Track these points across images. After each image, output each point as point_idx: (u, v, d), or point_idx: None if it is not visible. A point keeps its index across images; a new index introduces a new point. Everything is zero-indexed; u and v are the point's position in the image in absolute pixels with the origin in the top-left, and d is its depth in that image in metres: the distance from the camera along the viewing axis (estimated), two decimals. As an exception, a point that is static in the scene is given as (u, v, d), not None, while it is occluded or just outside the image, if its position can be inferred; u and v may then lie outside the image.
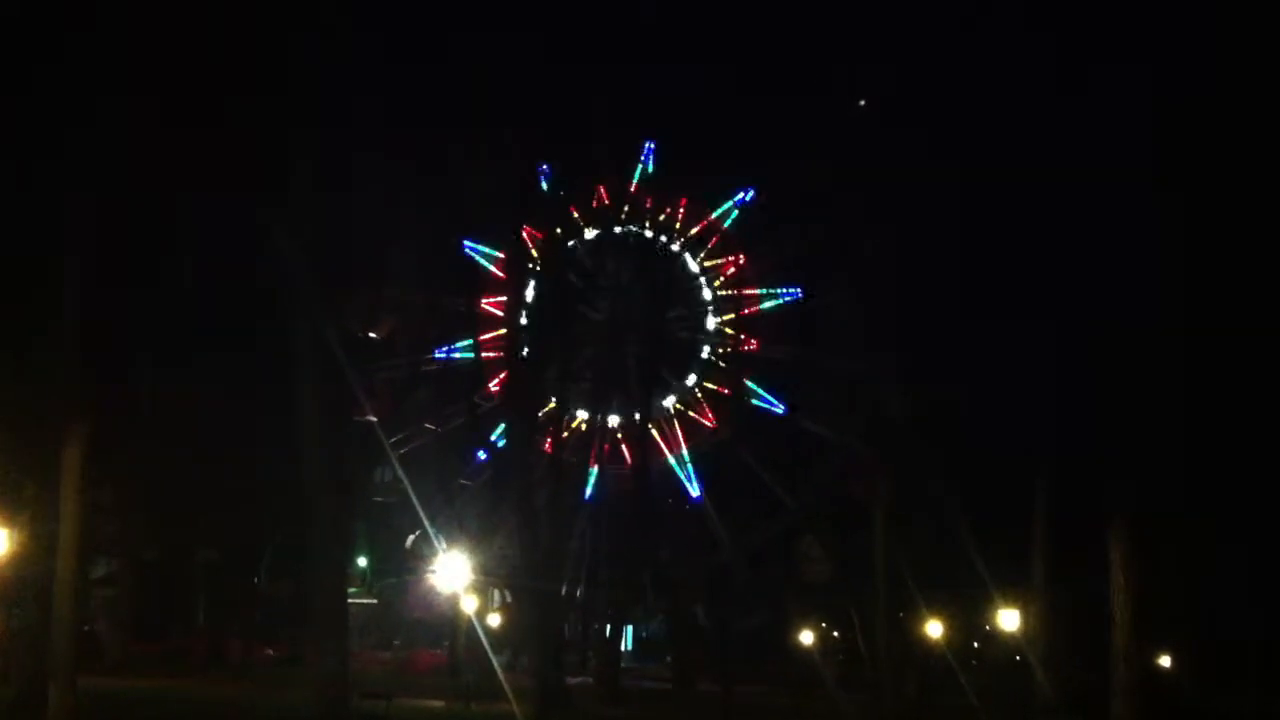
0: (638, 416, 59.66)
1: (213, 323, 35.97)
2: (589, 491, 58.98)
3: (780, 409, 69.54)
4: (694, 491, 70.33)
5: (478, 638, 46.18)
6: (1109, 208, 32.98)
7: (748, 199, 71.11)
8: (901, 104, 40.05)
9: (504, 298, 57.88)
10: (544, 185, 53.48)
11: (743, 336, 71.04)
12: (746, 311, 70.70)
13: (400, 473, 45.88)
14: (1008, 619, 38.97)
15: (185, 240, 30.83)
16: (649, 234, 65.86)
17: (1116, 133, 32.26)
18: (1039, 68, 34.58)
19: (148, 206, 27.05)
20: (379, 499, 50.42)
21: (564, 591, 54.56)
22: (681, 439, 70.87)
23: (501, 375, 60.01)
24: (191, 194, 28.45)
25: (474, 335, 58.00)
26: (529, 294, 56.21)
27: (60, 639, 26.62)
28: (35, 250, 26.18)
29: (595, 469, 61.31)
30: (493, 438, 63.10)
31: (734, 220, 71.75)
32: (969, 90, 36.77)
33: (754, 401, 70.23)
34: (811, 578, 37.89)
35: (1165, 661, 49.90)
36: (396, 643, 67.15)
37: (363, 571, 68.41)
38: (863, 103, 48.06)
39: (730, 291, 71.35)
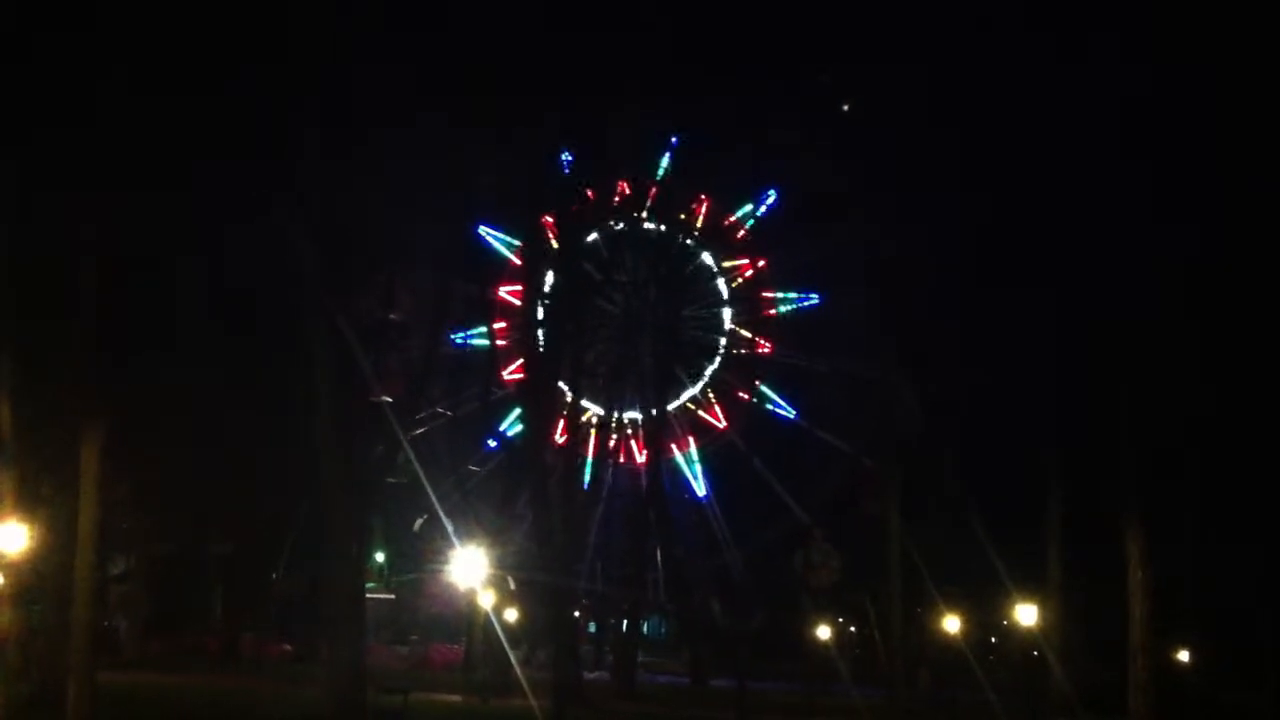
0: (652, 411, 59.62)
1: (227, 319, 36.00)
2: (586, 483, 58.80)
3: (791, 414, 69.59)
4: (700, 490, 70.40)
5: (494, 633, 46.13)
6: (1117, 204, 32.98)
7: (769, 200, 71.09)
8: (908, 105, 39.98)
9: (521, 286, 57.86)
10: (564, 174, 53.36)
11: (757, 339, 71.05)
12: (763, 314, 70.74)
13: (411, 455, 45.78)
14: (1025, 614, 38.84)
15: (196, 237, 30.82)
16: (668, 230, 65.76)
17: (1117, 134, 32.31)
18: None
19: (157, 204, 27.08)
20: (391, 480, 50.51)
21: (579, 586, 54.57)
22: (690, 438, 70.96)
23: (515, 363, 60.02)
24: (200, 187, 28.50)
25: (489, 322, 57.96)
26: (546, 284, 56.11)
27: (79, 635, 26.68)
28: (48, 251, 26.27)
29: (593, 459, 61.23)
30: (503, 427, 63.16)
31: (755, 221, 71.73)
32: (975, 90, 36.75)
33: (766, 405, 70.29)
34: (819, 584, 37.86)
35: (1183, 656, 49.64)
36: (414, 638, 67.14)
37: (379, 566, 68.49)
38: (846, 107, 48.19)
39: (747, 293, 71.34)
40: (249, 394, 38.98)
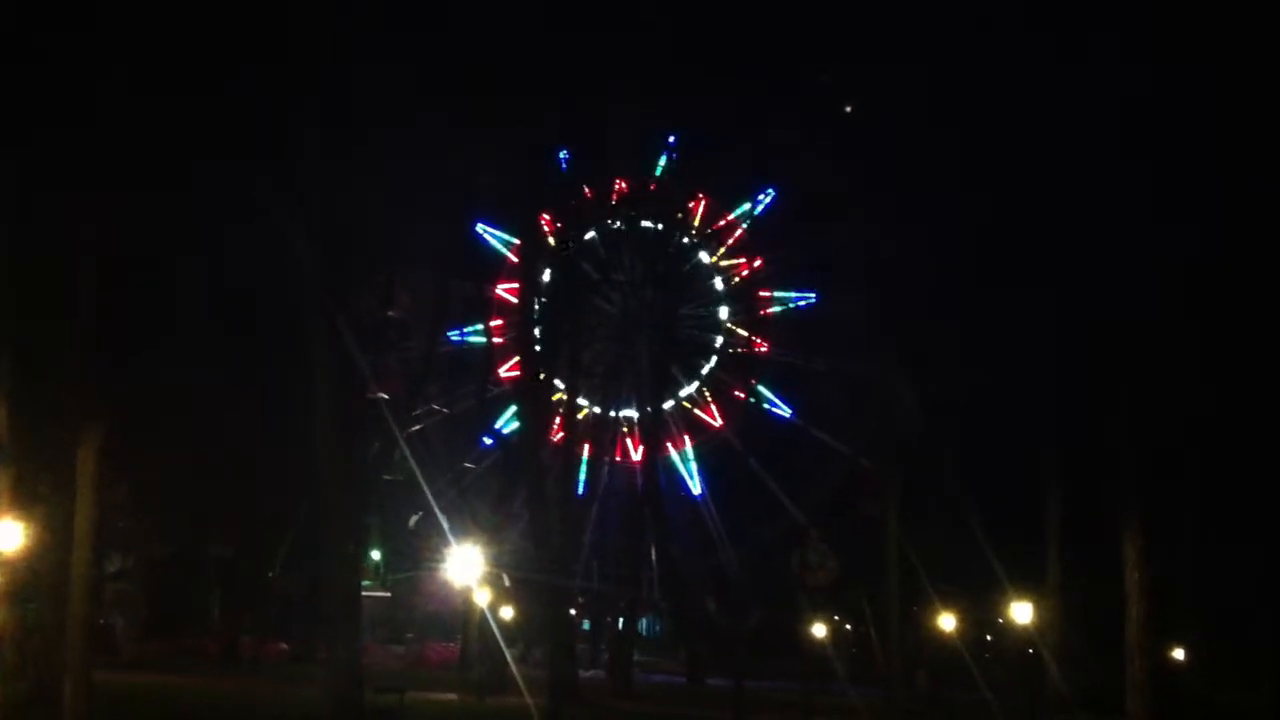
0: (649, 410, 59.62)
1: (227, 319, 35.97)
2: (581, 483, 58.74)
3: (787, 413, 69.63)
4: (695, 489, 70.39)
5: (490, 631, 46.12)
6: (1117, 204, 33.00)
7: (767, 199, 71.08)
8: (907, 105, 40.02)
9: (519, 284, 57.82)
10: (563, 173, 53.29)
11: (753, 338, 71.10)
12: (759, 313, 70.78)
13: (407, 452, 45.80)
14: (1021, 612, 38.90)
15: (196, 237, 30.76)
16: (666, 229, 65.81)
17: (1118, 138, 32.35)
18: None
19: (157, 204, 27.05)
20: (386, 477, 50.48)
21: (575, 585, 54.56)
22: (686, 436, 70.95)
23: (511, 361, 60.02)
24: (200, 187, 28.47)
25: (486, 320, 57.95)
26: (543, 283, 56.05)
27: (75, 633, 26.62)
28: (48, 251, 26.19)
29: (588, 458, 61.19)
30: (498, 425, 63.12)
31: (752, 221, 71.70)
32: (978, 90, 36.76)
33: (762, 404, 70.29)
34: (816, 584, 37.91)
35: (1179, 655, 49.70)
36: (409, 636, 67.12)
37: (375, 565, 68.40)
38: (849, 109, 48.26)
39: (744, 292, 71.37)
40: (249, 394, 38.96)
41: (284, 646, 58.65)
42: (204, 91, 26.34)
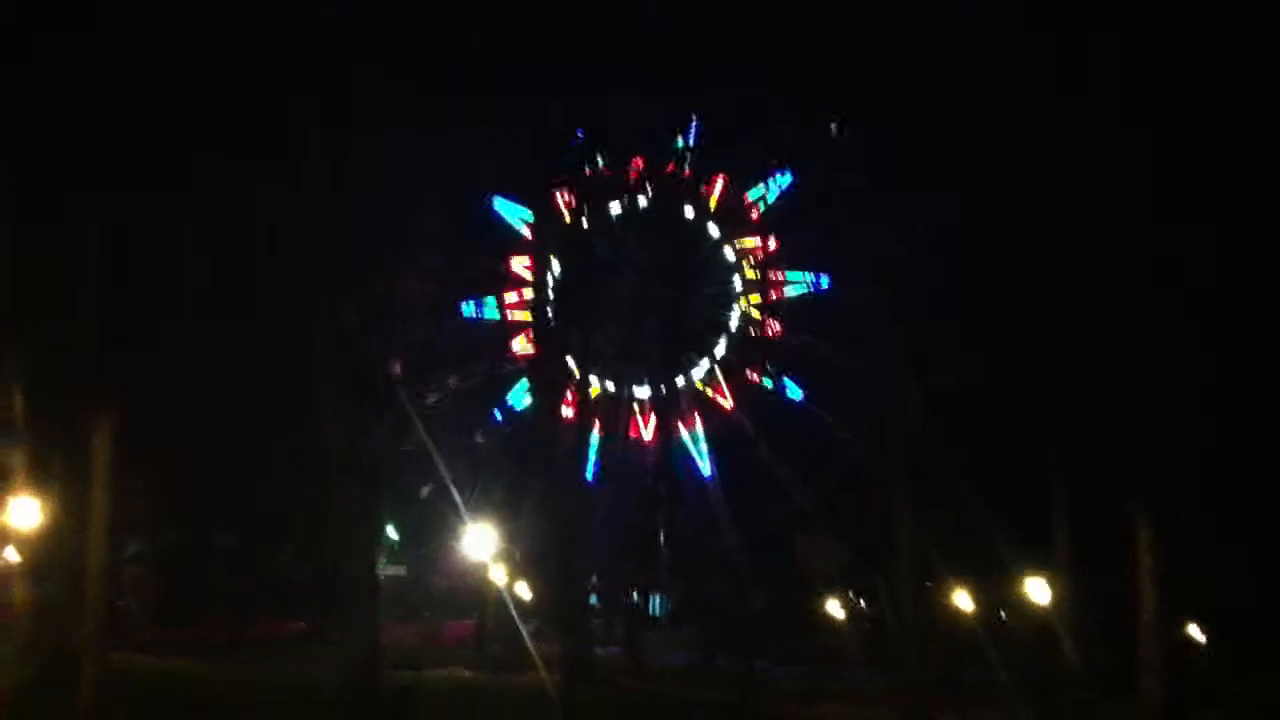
0: (662, 387, 59.80)
1: (227, 318, 36.18)
2: (594, 461, 58.91)
3: (799, 396, 69.54)
4: (705, 469, 70.44)
5: (506, 608, 46.53)
6: (1117, 204, 32.81)
7: (783, 182, 70.79)
8: (908, 105, 39.74)
9: (531, 260, 57.94)
10: (577, 151, 53.25)
11: (766, 321, 70.94)
12: (773, 296, 70.61)
13: (419, 424, 46.11)
14: (1038, 590, 38.89)
15: (196, 237, 30.92)
16: (681, 209, 65.80)
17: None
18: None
19: (158, 205, 27.29)
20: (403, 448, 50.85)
21: (587, 562, 54.90)
22: (696, 416, 70.97)
23: (524, 335, 60.18)
24: (199, 189, 28.66)
25: (499, 295, 58.13)
26: (556, 261, 56.06)
27: (90, 614, 27.11)
28: (49, 251, 26.50)
29: (601, 436, 61.41)
30: (509, 400, 63.43)
31: (769, 203, 71.44)
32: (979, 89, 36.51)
33: (774, 387, 70.28)
34: (819, 572, 38.17)
35: (1195, 633, 49.65)
36: (426, 614, 67.56)
37: (391, 543, 68.80)
38: (833, 125, 48.09)
39: (758, 274, 71.23)
40: (252, 389, 39.26)
41: (300, 624, 58.89)
42: (204, 91, 26.49)
